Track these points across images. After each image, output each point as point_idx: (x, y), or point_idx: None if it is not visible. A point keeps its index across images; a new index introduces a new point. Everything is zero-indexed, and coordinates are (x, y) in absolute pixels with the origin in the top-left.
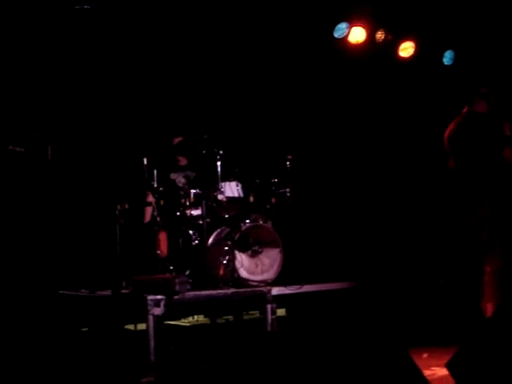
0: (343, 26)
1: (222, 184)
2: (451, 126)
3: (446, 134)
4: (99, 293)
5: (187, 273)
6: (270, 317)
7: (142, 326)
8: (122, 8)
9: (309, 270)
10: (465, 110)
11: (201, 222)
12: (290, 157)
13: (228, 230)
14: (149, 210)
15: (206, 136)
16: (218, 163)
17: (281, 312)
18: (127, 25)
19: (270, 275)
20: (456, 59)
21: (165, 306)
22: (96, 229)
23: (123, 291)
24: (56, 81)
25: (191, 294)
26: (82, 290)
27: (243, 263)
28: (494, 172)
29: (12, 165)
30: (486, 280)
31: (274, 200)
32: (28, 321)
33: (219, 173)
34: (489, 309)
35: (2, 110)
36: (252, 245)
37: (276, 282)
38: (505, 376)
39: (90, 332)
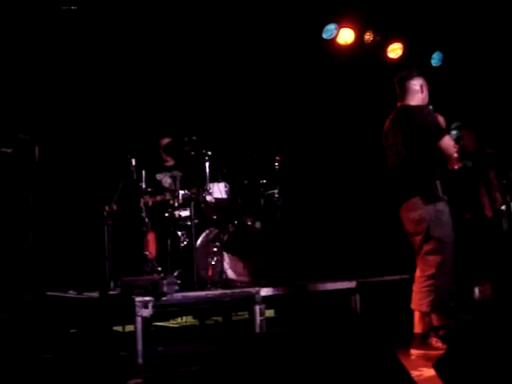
0: (332, 27)
1: (211, 185)
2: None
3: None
4: (87, 294)
5: (175, 274)
6: (258, 318)
7: (130, 328)
8: (106, 8)
9: (298, 270)
10: (398, 105)
11: (189, 223)
12: (278, 158)
13: (216, 231)
14: None
15: (194, 137)
16: (207, 164)
17: (269, 313)
18: (114, 26)
19: (258, 276)
20: (444, 60)
21: (153, 307)
22: (84, 230)
23: (111, 292)
24: (43, 82)
25: (179, 295)
26: (70, 292)
27: (231, 264)
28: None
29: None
30: None
31: (262, 201)
32: (15, 322)
33: (207, 174)
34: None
35: None
36: (240, 246)
37: (265, 283)
38: (492, 376)
39: (78, 333)
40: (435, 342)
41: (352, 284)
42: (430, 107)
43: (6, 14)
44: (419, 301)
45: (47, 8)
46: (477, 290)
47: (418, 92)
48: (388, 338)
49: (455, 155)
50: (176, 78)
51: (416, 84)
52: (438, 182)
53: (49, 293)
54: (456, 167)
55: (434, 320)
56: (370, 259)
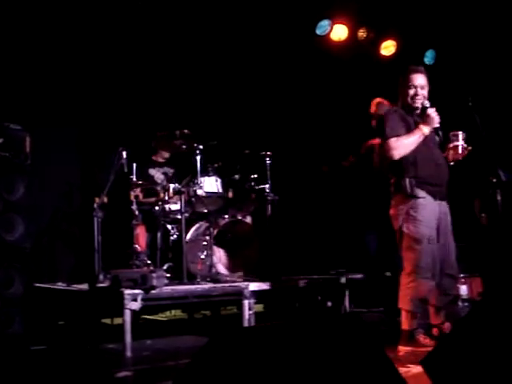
0: (325, 23)
1: (202, 179)
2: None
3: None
4: (76, 286)
5: (165, 267)
6: (247, 312)
7: (118, 321)
8: (103, 3)
9: (288, 265)
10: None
11: (179, 217)
12: (269, 153)
13: (206, 225)
14: None
15: (186, 131)
16: (198, 158)
17: (258, 308)
18: (109, 18)
19: (248, 271)
20: (437, 58)
21: (142, 300)
22: (74, 222)
23: (100, 285)
24: (34, 71)
25: (169, 288)
26: (59, 283)
27: (221, 258)
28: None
29: None
30: None
31: (253, 196)
32: (3, 314)
33: (199, 168)
34: None
35: None
36: (230, 240)
37: (254, 277)
38: (480, 374)
39: (66, 325)
40: (423, 338)
41: (341, 280)
42: (426, 102)
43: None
44: (401, 298)
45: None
46: (464, 287)
47: (402, 94)
48: (376, 335)
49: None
50: (170, 71)
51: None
52: (408, 180)
53: (37, 284)
54: (452, 159)
55: (432, 318)
56: (359, 255)
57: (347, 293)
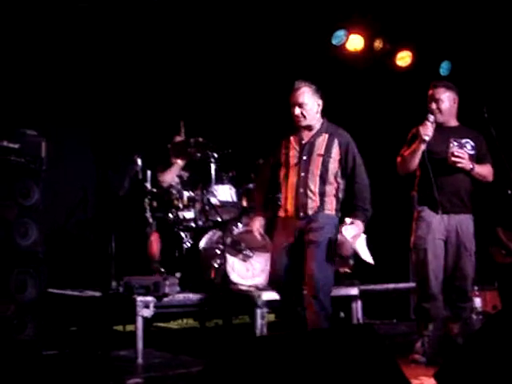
0: (341, 33)
1: (216, 187)
2: None
3: None
4: (88, 292)
5: (178, 275)
6: (259, 322)
7: (130, 328)
8: (118, 7)
9: (300, 275)
10: None
11: (193, 225)
12: None
13: (220, 233)
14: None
15: (201, 139)
16: (212, 166)
17: (271, 317)
18: (124, 24)
19: (260, 280)
20: (452, 69)
21: (154, 307)
22: (87, 228)
23: (113, 291)
24: (50, 77)
25: (181, 296)
26: (72, 289)
27: (234, 267)
28: None
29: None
30: None
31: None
32: (15, 319)
33: (213, 176)
34: None
35: None
36: (244, 249)
37: (266, 287)
38: None
39: (79, 331)
40: (419, 346)
41: (354, 291)
42: (430, 116)
43: (12, 10)
44: None
45: (51, 5)
46: (478, 300)
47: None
48: (389, 346)
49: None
50: (186, 79)
51: None
52: (413, 193)
53: (50, 290)
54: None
55: (454, 328)
56: (373, 266)
57: (360, 303)
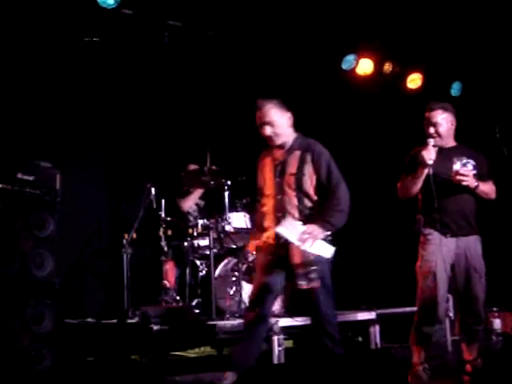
0: (351, 57)
1: (230, 214)
2: None
3: None
4: (105, 322)
5: (194, 303)
6: (276, 349)
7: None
8: (129, 41)
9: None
10: None
11: (208, 253)
12: None
13: (235, 260)
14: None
15: (214, 167)
16: (226, 194)
17: (288, 344)
18: (134, 55)
19: (277, 307)
20: (463, 90)
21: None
22: (103, 258)
23: (129, 321)
24: (65, 110)
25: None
26: (88, 319)
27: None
28: None
29: (21, 193)
30: None
31: None
32: (33, 350)
33: (227, 203)
34: None
35: (11, 138)
36: None
37: (283, 313)
38: None
39: (96, 361)
40: (421, 371)
41: (372, 315)
42: (430, 140)
43: (29, 42)
44: None
45: (66, 38)
46: (498, 321)
47: None
48: (407, 370)
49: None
50: (197, 109)
51: None
52: (419, 217)
53: (67, 320)
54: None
55: (465, 354)
56: (390, 290)
57: (378, 328)
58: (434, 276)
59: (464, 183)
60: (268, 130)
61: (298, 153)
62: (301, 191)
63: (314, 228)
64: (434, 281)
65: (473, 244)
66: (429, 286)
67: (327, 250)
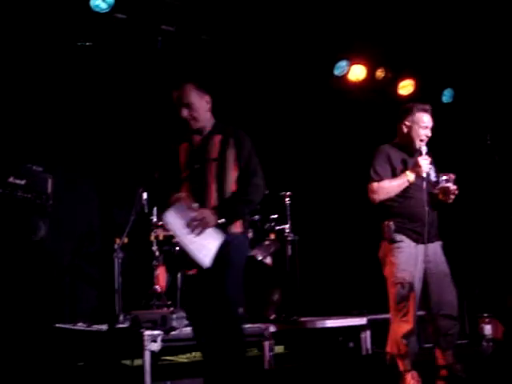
0: (343, 63)
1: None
2: None
3: None
4: (96, 327)
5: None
6: (267, 354)
7: (138, 362)
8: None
9: (308, 306)
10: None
11: None
12: (289, 193)
13: None
14: None
15: None
16: None
17: (279, 349)
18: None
19: (268, 312)
20: (455, 97)
21: (162, 341)
22: (94, 262)
23: (120, 326)
24: (57, 114)
25: (189, 329)
26: (79, 324)
27: None
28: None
29: (13, 197)
30: None
31: (273, 236)
32: (23, 354)
33: None
34: None
35: (2, 142)
36: (250, 281)
37: (274, 318)
38: None
39: (86, 366)
40: (410, 378)
41: (363, 320)
42: (423, 148)
43: (21, 46)
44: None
45: (59, 42)
46: (488, 327)
47: (404, 134)
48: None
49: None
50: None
51: (403, 127)
52: (390, 223)
53: (58, 325)
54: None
55: (440, 360)
56: (381, 296)
57: (369, 333)
58: (411, 286)
59: (451, 199)
60: (185, 112)
61: (218, 137)
62: (222, 178)
63: (206, 214)
64: (411, 291)
65: (439, 249)
66: (405, 296)
67: (214, 240)
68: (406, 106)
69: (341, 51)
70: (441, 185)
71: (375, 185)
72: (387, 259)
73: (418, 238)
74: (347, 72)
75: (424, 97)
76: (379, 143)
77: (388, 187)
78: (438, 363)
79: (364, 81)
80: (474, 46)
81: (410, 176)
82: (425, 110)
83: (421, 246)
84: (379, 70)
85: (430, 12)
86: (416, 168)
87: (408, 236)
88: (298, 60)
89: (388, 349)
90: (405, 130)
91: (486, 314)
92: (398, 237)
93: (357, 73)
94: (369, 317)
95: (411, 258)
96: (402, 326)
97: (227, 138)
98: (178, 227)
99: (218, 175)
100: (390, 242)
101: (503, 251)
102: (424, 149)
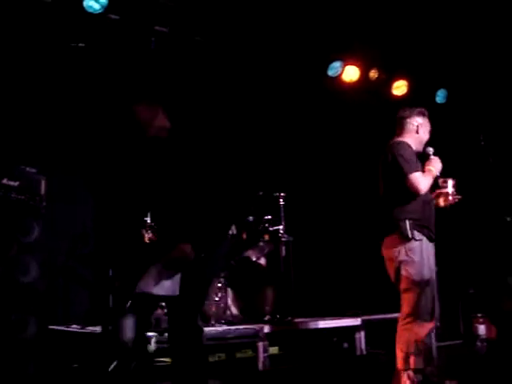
0: (337, 64)
1: None
2: None
3: None
4: (90, 328)
5: None
6: (262, 355)
7: None
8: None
9: (302, 307)
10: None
11: None
12: (283, 194)
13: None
14: None
15: None
16: None
17: (274, 350)
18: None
19: (262, 313)
20: (449, 98)
21: (156, 342)
22: (88, 263)
23: (114, 327)
24: (52, 115)
25: None
26: (73, 326)
27: (235, 301)
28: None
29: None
30: None
31: (267, 237)
32: (16, 356)
33: None
34: None
35: None
36: (244, 282)
37: (269, 319)
38: None
39: (80, 368)
40: (406, 378)
41: (357, 321)
42: (430, 149)
43: (14, 47)
44: (398, 339)
45: (52, 43)
46: (482, 327)
47: (413, 131)
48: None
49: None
50: (184, 112)
51: (413, 123)
52: (407, 222)
53: (51, 326)
54: (443, 204)
55: (412, 362)
56: (375, 296)
57: (364, 334)
58: (433, 286)
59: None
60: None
61: None
62: None
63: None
64: (434, 291)
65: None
66: (431, 296)
67: None
68: (417, 107)
69: (335, 52)
70: (442, 190)
71: (418, 175)
72: (407, 258)
73: (431, 237)
74: (341, 73)
75: (418, 97)
76: (373, 143)
77: (426, 180)
78: (412, 367)
79: (358, 81)
80: (468, 46)
81: (434, 172)
82: (427, 114)
83: (432, 246)
84: (373, 71)
85: (424, 13)
86: (436, 165)
87: (425, 235)
88: (291, 61)
89: (403, 349)
90: (414, 127)
91: (480, 314)
92: (418, 235)
93: (350, 73)
94: (363, 317)
95: (431, 257)
96: (424, 326)
97: None
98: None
99: None
100: (408, 240)
101: (497, 252)
102: (431, 150)
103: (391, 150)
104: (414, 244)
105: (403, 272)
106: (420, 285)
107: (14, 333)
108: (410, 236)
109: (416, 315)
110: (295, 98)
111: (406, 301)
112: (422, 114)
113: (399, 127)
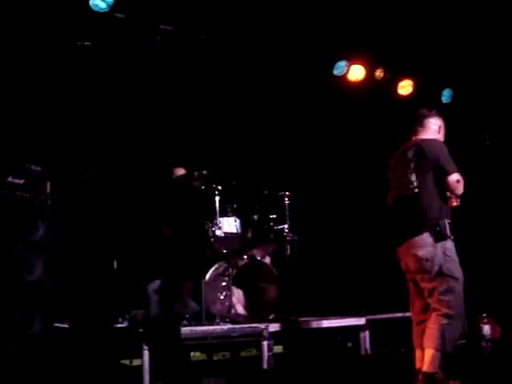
0: (343, 63)
1: (220, 219)
2: None
3: None
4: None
5: None
6: (266, 354)
7: (137, 362)
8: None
9: (307, 306)
10: (413, 138)
11: None
12: (288, 193)
13: (225, 265)
14: None
15: (205, 171)
16: (217, 199)
17: (278, 349)
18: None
19: (267, 312)
20: (454, 97)
21: None
22: (93, 262)
23: (119, 325)
24: (56, 113)
25: (187, 329)
26: (78, 324)
27: (240, 299)
28: None
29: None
30: None
31: (272, 236)
32: (22, 354)
33: (217, 208)
34: None
35: (1, 142)
36: (249, 281)
37: (273, 318)
38: None
39: (86, 366)
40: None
41: (361, 321)
42: None
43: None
44: (435, 340)
45: (58, 42)
46: (487, 327)
47: (435, 131)
48: (398, 377)
49: (458, 193)
50: (188, 112)
51: (435, 124)
52: (446, 221)
53: (57, 324)
54: (455, 204)
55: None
56: (380, 295)
57: (368, 333)
58: (464, 284)
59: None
60: None
61: None
62: None
63: None
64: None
65: None
66: (461, 293)
67: None
68: (435, 110)
69: (340, 51)
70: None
71: (459, 175)
72: (447, 258)
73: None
74: (346, 72)
75: (423, 97)
76: (378, 143)
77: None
78: (417, 366)
79: (363, 81)
80: (474, 46)
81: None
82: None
83: None
84: (378, 70)
85: (429, 12)
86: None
87: (452, 234)
88: (297, 60)
89: (441, 348)
90: (436, 127)
91: (484, 314)
92: (452, 236)
93: (356, 73)
94: (367, 317)
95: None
96: (460, 324)
97: None
98: None
99: None
100: (444, 239)
101: (502, 251)
102: None
103: (428, 148)
104: (450, 243)
105: (445, 271)
106: (459, 283)
107: (20, 330)
108: (448, 235)
109: (455, 314)
110: (301, 97)
111: (447, 301)
112: (440, 117)
113: (420, 125)
